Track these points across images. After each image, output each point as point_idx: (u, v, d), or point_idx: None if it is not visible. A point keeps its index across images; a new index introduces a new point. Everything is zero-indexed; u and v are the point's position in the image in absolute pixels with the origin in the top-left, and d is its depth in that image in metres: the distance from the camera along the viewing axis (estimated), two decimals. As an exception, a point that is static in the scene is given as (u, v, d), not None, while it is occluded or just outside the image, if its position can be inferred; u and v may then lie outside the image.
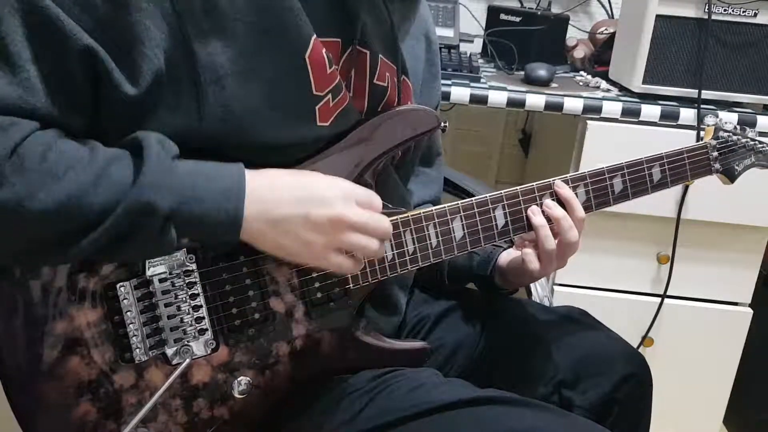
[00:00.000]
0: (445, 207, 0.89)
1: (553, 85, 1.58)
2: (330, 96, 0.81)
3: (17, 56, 0.66)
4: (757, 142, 1.05)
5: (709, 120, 1.05)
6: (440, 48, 1.55)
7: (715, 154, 1.03)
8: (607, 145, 1.48)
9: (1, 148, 0.64)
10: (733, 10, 1.44)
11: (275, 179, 0.76)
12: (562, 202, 0.93)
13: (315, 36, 0.78)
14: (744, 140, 1.04)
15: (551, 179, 0.93)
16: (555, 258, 0.92)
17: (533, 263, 0.93)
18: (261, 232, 0.75)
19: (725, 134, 1.04)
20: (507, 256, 1.01)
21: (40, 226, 0.66)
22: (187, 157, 0.76)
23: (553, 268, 0.95)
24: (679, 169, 1.00)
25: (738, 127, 1.05)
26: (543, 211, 0.92)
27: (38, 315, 0.74)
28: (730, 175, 1.05)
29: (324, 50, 0.79)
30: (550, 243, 0.91)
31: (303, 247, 0.76)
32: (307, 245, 0.76)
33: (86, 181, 0.67)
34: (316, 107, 0.80)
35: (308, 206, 0.75)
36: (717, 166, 1.03)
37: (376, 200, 0.80)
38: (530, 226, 0.92)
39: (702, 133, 1.44)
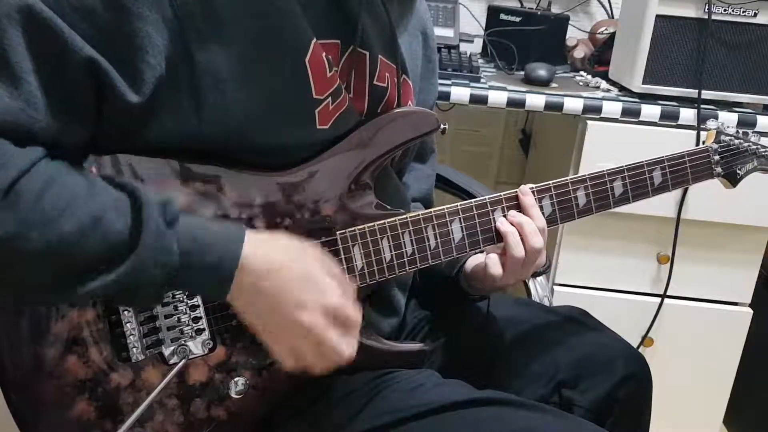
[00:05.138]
0: (443, 209, 0.89)
1: (553, 85, 1.58)
2: (330, 99, 0.81)
3: (18, 68, 0.65)
4: (759, 147, 1.05)
5: (711, 124, 1.04)
6: (440, 48, 1.56)
7: (717, 157, 1.02)
8: (607, 145, 1.48)
9: None
10: (733, 10, 1.44)
11: (271, 266, 0.73)
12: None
13: (315, 39, 0.78)
14: (746, 144, 1.04)
15: (549, 182, 0.93)
16: (521, 266, 0.91)
17: (495, 267, 0.91)
18: (239, 305, 0.75)
19: (727, 138, 1.03)
20: (473, 261, 1.00)
21: (30, 266, 0.66)
22: (189, 160, 0.76)
23: (517, 278, 0.93)
24: (681, 173, 0.99)
25: (740, 131, 1.05)
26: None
27: (36, 314, 0.74)
28: (732, 179, 1.05)
29: (324, 54, 0.79)
30: (519, 250, 0.89)
31: (267, 329, 0.76)
32: (270, 331, 0.76)
33: (80, 226, 0.66)
34: (316, 110, 0.80)
35: (289, 306, 0.74)
36: (718, 169, 1.02)
37: (355, 320, 0.78)
38: (498, 236, 0.91)
39: (702, 134, 1.44)
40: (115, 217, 0.67)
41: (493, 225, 0.91)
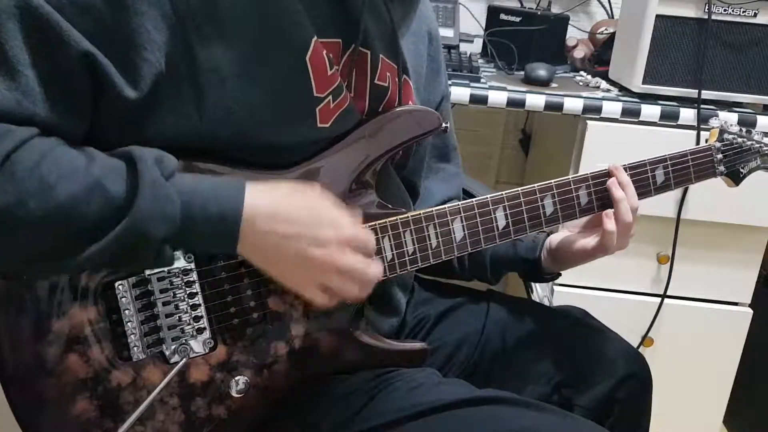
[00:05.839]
0: (445, 208, 0.89)
1: (553, 85, 1.58)
2: (330, 97, 0.81)
3: (15, 61, 0.65)
4: (762, 145, 1.03)
5: (714, 122, 1.04)
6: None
7: (720, 156, 1.02)
8: (607, 145, 1.48)
9: None
10: (733, 10, 1.44)
11: (275, 206, 0.74)
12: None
13: (316, 37, 0.78)
14: (750, 143, 1.03)
15: (552, 181, 0.93)
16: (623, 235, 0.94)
17: (609, 224, 0.93)
18: (253, 254, 0.76)
19: (730, 136, 1.02)
20: (557, 237, 1.01)
21: (31, 234, 0.66)
22: (189, 158, 0.76)
23: (618, 247, 0.95)
24: (683, 172, 0.99)
25: (743, 129, 1.04)
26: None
27: (37, 312, 0.74)
28: (735, 178, 1.04)
29: (325, 52, 0.79)
30: (628, 216, 0.93)
31: (288, 275, 0.78)
32: (292, 275, 0.78)
33: (78, 192, 0.66)
34: (317, 108, 0.80)
35: (302, 243, 0.75)
36: (721, 168, 1.02)
37: (370, 244, 0.79)
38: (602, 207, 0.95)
39: (702, 134, 1.44)
40: (113, 179, 0.68)
41: (494, 224, 0.91)
